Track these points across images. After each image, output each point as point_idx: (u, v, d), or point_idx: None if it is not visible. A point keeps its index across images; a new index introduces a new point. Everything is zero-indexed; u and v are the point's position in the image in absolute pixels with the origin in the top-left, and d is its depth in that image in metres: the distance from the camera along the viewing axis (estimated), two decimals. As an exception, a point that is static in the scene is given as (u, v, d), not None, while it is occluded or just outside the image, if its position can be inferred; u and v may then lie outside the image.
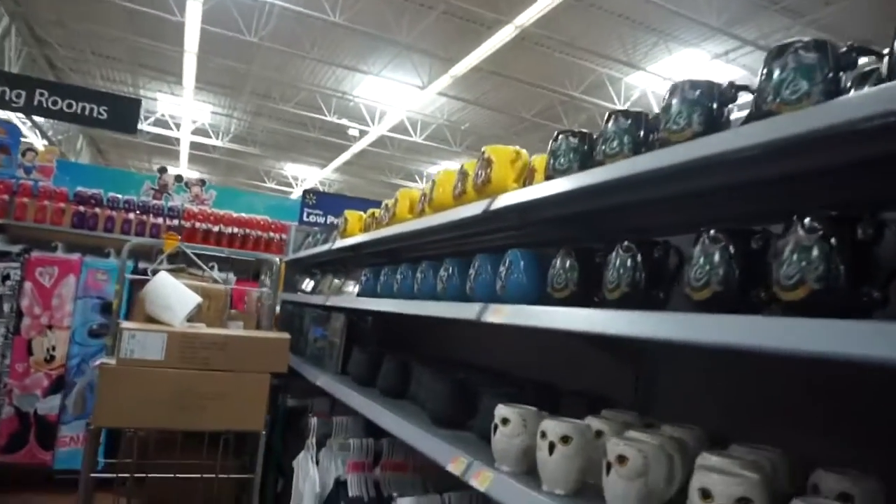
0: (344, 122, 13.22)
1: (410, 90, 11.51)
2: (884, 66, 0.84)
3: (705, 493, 0.94)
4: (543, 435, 1.29)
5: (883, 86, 0.75)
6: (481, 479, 1.43)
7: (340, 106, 12.86)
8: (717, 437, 1.37)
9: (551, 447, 1.27)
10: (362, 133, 13.82)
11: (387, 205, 2.65)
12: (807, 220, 0.89)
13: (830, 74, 0.92)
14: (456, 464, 1.55)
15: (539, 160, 1.64)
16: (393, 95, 11.89)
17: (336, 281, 3.37)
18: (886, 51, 0.84)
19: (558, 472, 1.27)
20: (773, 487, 0.98)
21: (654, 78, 9.97)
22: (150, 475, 2.82)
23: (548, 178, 1.53)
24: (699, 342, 0.98)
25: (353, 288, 3.09)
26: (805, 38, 0.95)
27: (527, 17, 8.51)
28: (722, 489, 0.93)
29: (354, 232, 3.01)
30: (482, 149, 1.79)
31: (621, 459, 1.12)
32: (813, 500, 0.85)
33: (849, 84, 0.94)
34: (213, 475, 2.87)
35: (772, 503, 0.94)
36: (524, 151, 1.70)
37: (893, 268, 0.83)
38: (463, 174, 1.89)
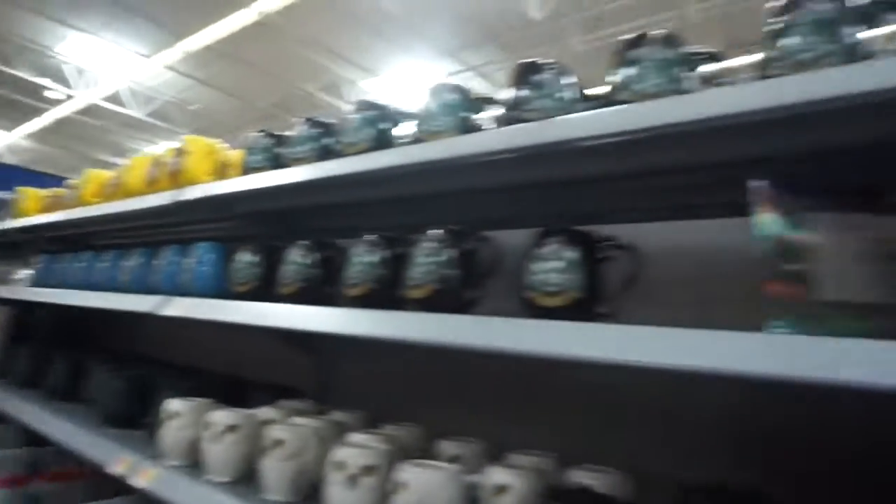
0: (47, 82, 11.22)
1: (132, 57, 10.29)
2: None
3: (339, 465, 1.07)
4: (210, 425, 1.31)
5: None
6: (146, 477, 1.39)
7: (38, 62, 10.90)
8: (378, 419, 1.54)
9: (218, 436, 1.30)
10: (68, 98, 11.89)
11: (72, 185, 2.37)
12: (434, 232, 1.08)
13: (468, 110, 1.14)
14: (121, 464, 1.47)
15: (234, 156, 1.66)
16: (109, 60, 10.49)
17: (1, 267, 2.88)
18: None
19: (223, 460, 1.30)
20: (402, 455, 1.16)
21: (389, 86, 10.52)
22: None
23: (243, 174, 1.55)
24: (355, 335, 1.11)
25: (23, 276, 2.68)
26: (448, 82, 1.15)
27: (271, 4, 8.29)
28: (352, 460, 1.06)
29: (31, 212, 2.61)
30: (182, 137, 1.73)
31: (278, 443, 1.21)
32: (420, 461, 1.03)
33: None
34: None
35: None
36: (222, 145, 1.70)
37: (484, 272, 1.05)
38: (157, 161, 1.80)
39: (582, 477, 1.10)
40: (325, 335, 1.75)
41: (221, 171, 1.64)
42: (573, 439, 1.26)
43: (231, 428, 1.30)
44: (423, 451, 1.34)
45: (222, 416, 1.31)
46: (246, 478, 1.32)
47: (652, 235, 1.06)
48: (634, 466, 1.11)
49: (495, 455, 1.24)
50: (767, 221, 0.75)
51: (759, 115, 0.71)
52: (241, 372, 2.02)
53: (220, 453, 1.30)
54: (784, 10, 0.81)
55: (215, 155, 1.65)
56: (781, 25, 0.80)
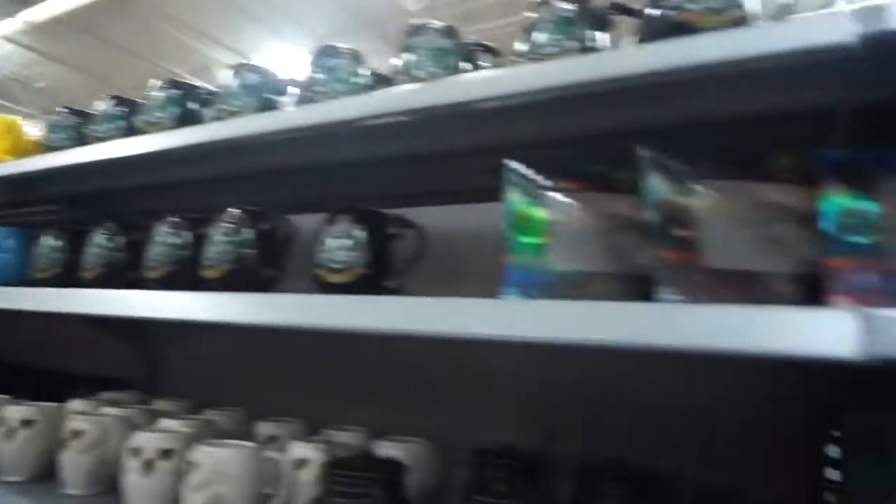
0: None
1: (-38, 26, 9.15)
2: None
3: (135, 451, 1.05)
4: (2, 422, 1.23)
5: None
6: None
7: None
8: (207, 405, 1.50)
9: (11, 433, 1.22)
10: None
11: None
12: (231, 212, 1.08)
13: (271, 91, 1.14)
14: None
15: (41, 135, 1.55)
16: (-67, 27, 9.26)
17: None
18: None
19: (17, 459, 1.23)
20: (208, 438, 1.14)
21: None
22: None
23: (44, 152, 1.45)
24: (153, 317, 1.08)
25: None
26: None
27: (133, -23, 7.66)
28: (148, 445, 1.05)
29: None
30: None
31: (77, 434, 1.16)
32: (214, 441, 1.03)
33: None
34: None
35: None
36: (22, 122, 1.58)
37: (282, 252, 1.07)
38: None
39: (387, 448, 1.15)
40: (147, 322, 1.69)
41: (24, 151, 1.52)
42: (388, 413, 1.31)
43: (26, 423, 1.23)
44: (242, 434, 1.34)
45: (15, 412, 1.23)
46: (45, 476, 1.25)
47: (446, 217, 1.12)
48: (439, 435, 1.18)
49: (313, 432, 1.27)
50: (513, 199, 0.82)
51: (497, 101, 0.79)
52: (71, 366, 1.89)
53: (12, 451, 1.22)
54: (536, 7, 0.89)
55: (14, 133, 1.53)
56: (532, 21, 0.88)
